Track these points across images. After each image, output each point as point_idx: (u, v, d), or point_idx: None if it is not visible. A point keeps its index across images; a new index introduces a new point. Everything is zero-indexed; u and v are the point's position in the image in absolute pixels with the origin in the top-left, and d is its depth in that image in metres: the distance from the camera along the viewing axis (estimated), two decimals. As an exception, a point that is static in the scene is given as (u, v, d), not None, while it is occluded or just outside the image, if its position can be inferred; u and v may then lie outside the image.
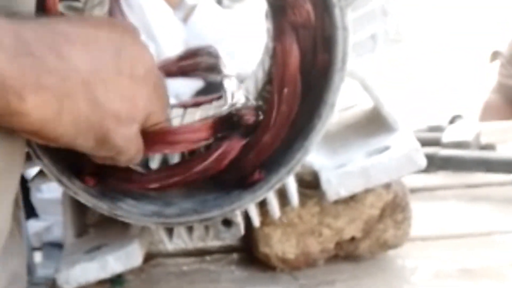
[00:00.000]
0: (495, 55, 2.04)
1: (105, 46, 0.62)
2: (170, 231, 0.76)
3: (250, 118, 0.71)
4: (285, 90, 0.71)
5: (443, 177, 1.07)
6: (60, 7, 0.70)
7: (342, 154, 0.78)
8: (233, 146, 0.72)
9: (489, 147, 1.15)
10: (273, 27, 0.72)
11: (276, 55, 0.71)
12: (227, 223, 0.75)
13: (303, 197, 0.77)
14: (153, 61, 0.65)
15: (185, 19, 1.61)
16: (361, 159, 0.76)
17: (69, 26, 0.61)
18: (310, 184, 0.77)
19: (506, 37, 2.05)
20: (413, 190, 0.99)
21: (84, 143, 0.62)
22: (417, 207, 0.92)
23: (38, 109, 0.57)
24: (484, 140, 1.17)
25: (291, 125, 0.72)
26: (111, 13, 0.84)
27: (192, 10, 1.58)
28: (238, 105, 0.76)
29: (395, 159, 0.75)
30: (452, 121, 1.25)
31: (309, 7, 0.70)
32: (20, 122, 0.57)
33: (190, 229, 0.76)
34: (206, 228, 0.76)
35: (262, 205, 0.76)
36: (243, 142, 0.72)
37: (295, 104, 0.72)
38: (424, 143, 0.99)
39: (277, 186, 0.73)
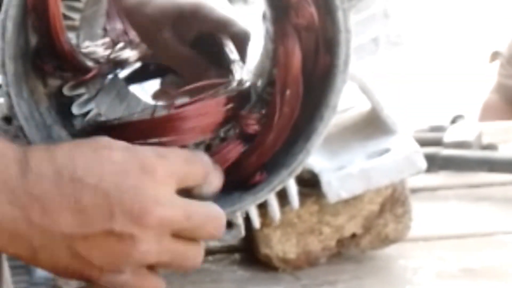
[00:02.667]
0: (495, 55, 2.03)
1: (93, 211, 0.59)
2: None
3: (252, 126, 0.70)
4: (288, 92, 0.69)
5: (445, 177, 1.06)
6: (61, 7, 0.69)
7: (342, 156, 0.77)
8: (234, 149, 0.71)
9: (491, 147, 1.14)
10: (274, 28, 0.71)
11: (278, 57, 0.70)
12: (228, 224, 0.72)
13: (301, 196, 0.76)
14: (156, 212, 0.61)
15: None
16: (361, 161, 0.75)
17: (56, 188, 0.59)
18: (308, 183, 0.75)
19: (505, 37, 2.04)
20: (415, 190, 0.98)
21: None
22: (419, 207, 0.91)
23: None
24: (485, 140, 1.16)
25: (293, 127, 0.71)
26: (108, 13, 0.83)
27: None
28: (247, 84, 0.74)
29: (395, 161, 0.75)
30: (453, 121, 1.24)
31: (313, 9, 0.68)
32: None
33: None
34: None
35: (261, 206, 0.75)
36: (244, 147, 0.71)
37: (297, 106, 0.70)
38: (426, 143, 0.98)
39: (279, 188, 0.72)
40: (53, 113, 0.73)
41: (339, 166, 0.75)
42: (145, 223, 0.59)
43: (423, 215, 0.92)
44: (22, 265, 0.89)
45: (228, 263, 0.84)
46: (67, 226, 0.58)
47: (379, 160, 0.75)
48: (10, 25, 0.67)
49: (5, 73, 0.68)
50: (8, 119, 0.70)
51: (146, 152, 0.62)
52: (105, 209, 0.59)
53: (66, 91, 0.73)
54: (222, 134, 0.75)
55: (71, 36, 0.74)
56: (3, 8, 0.67)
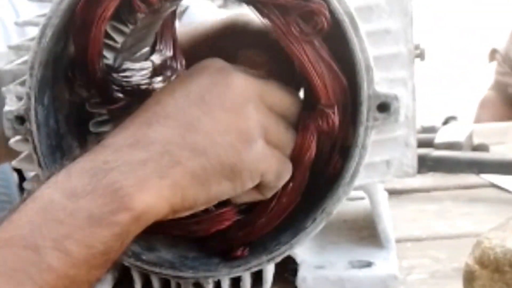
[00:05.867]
0: (494, 53, 2.02)
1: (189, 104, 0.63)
2: (145, 276, 0.74)
3: None
4: (291, 184, 0.69)
5: (439, 178, 1.06)
6: (106, 26, 0.68)
7: (327, 254, 0.76)
8: (227, 218, 0.71)
9: (482, 148, 1.13)
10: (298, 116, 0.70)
11: (295, 145, 0.69)
12: (198, 286, 0.73)
13: (277, 279, 0.75)
14: (245, 83, 0.65)
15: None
16: (341, 267, 0.74)
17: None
18: (289, 267, 0.75)
19: (503, 35, 2.04)
20: (409, 191, 0.99)
21: (225, 191, 0.64)
22: (413, 208, 0.92)
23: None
24: (479, 141, 1.15)
25: (285, 218, 0.71)
26: (162, 34, 0.82)
27: (183, 12, 1.56)
28: None
29: (371, 280, 0.73)
30: (446, 122, 1.24)
31: (336, 119, 0.68)
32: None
33: (164, 281, 0.74)
34: (178, 285, 0.73)
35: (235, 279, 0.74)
36: (238, 218, 0.71)
37: (295, 201, 0.70)
38: (418, 144, 0.99)
39: (255, 269, 0.72)
40: (69, 122, 0.72)
41: (319, 265, 0.74)
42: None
43: (417, 215, 0.93)
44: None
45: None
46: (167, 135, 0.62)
47: (357, 272, 0.74)
48: (49, 33, 0.66)
49: (31, 76, 0.67)
50: (21, 119, 0.69)
51: None
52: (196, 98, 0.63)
53: (88, 107, 0.73)
54: None
55: (109, 56, 0.73)
56: (48, 13, 0.66)
